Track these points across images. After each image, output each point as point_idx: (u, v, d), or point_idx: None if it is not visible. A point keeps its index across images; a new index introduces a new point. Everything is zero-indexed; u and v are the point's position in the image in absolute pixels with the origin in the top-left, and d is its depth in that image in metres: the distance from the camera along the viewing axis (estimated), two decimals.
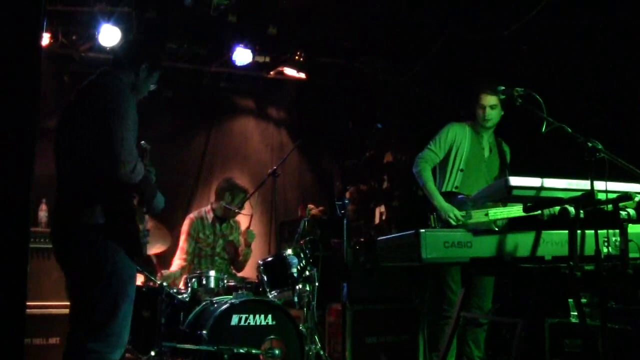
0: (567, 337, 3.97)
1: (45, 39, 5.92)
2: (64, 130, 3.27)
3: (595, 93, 4.94)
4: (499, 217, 4.15)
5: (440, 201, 4.34)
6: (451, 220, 4.24)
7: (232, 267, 5.62)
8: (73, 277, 3.20)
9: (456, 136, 4.55)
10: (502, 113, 4.53)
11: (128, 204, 3.19)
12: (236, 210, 5.47)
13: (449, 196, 4.40)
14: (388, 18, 5.99)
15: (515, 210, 4.05)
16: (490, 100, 4.45)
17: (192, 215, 5.59)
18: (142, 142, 3.38)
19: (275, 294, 4.77)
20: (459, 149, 4.53)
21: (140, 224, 3.27)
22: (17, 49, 2.42)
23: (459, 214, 4.24)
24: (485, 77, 4.62)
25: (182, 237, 5.50)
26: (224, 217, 5.55)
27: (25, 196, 2.42)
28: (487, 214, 4.15)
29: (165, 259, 6.58)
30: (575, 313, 3.82)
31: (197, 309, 4.57)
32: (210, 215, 5.53)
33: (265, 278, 4.80)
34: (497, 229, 3.98)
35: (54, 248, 3.27)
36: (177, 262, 5.44)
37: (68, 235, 3.15)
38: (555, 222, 3.18)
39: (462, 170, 4.50)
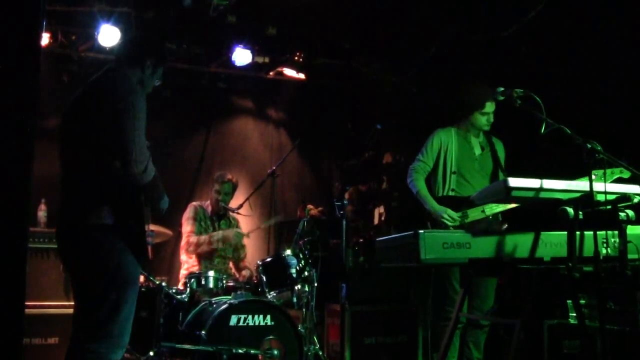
0: (565, 338, 3.97)
1: (45, 38, 5.92)
2: (70, 128, 3.20)
3: (595, 94, 4.94)
4: (496, 211, 4.17)
5: (432, 204, 4.38)
6: (446, 222, 4.25)
7: (233, 268, 5.62)
8: (78, 277, 3.16)
9: (442, 142, 4.62)
10: None
11: (137, 205, 3.13)
12: (237, 212, 5.47)
13: (446, 201, 4.42)
14: (387, 19, 5.99)
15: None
16: (493, 106, 4.55)
17: (194, 203, 5.66)
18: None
19: (274, 294, 4.77)
20: (447, 153, 4.59)
21: (146, 224, 3.26)
22: (17, 48, 2.42)
23: (453, 214, 4.26)
24: (480, 85, 4.60)
25: (189, 223, 5.48)
26: (222, 213, 5.59)
27: (25, 196, 2.42)
28: (483, 210, 4.18)
29: (165, 258, 6.58)
30: (574, 314, 3.82)
31: (196, 309, 4.57)
32: (209, 209, 5.58)
33: (264, 278, 4.80)
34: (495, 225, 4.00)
35: (59, 248, 3.24)
36: (185, 238, 5.46)
37: (75, 235, 3.10)
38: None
39: (454, 172, 4.55)
